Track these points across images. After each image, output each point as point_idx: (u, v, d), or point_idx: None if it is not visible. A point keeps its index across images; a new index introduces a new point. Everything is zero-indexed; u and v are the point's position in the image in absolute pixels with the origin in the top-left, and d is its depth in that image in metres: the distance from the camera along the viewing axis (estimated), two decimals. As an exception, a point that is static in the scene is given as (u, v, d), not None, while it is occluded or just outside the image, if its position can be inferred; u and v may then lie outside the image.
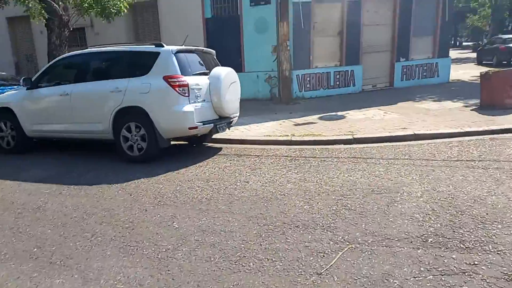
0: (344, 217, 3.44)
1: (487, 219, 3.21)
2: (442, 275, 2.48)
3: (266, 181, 4.61)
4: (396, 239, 2.99)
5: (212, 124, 5.78)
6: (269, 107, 10.32)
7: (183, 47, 5.78)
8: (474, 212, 3.35)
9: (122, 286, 2.61)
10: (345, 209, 3.61)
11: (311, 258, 2.80)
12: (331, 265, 2.69)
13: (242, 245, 3.06)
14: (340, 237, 3.08)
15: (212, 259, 2.88)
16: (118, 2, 8.57)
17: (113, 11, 8.52)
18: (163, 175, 5.08)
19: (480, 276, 2.45)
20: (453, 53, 23.93)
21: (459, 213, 3.36)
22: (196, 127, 5.49)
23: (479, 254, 2.70)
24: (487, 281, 2.40)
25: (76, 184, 4.88)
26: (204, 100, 5.72)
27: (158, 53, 5.50)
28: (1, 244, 3.34)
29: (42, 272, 2.85)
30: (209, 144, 6.96)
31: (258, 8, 11.32)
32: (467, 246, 2.81)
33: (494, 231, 3.00)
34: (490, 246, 2.78)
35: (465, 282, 2.40)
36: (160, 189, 4.51)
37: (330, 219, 3.42)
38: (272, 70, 11.53)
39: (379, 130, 6.95)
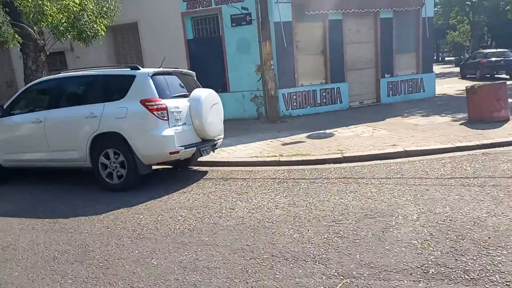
0: (337, 246, 3.18)
1: (490, 243, 2.98)
2: (449, 313, 2.23)
3: (253, 207, 4.34)
4: (394, 270, 2.73)
5: (195, 148, 5.52)
6: (256, 127, 10.12)
7: (161, 69, 5.57)
8: (475, 236, 3.12)
9: None
10: (337, 237, 3.35)
11: (303, 297, 2.52)
12: (325, 305, 2.42)
13: (227, 284, 2.76)
14: (334, 270, 2.81)
15: (193, 302, 2.58)
16: (95, 25, 8.34)
17: (90, 34, 8.28)
18: (144, 204, 4.76)
19: (491, 312, 2.21)
20: (437, 68, 24.28)
21: (460, 237, 3.13)
22: (177, 152, 5.22)
23: (486, 286, 2.45)
24: (499, 318, 2.15)
25: (51, 217, 4.54)
26: (185, 123, 5.47)
27: (134, 76, 5.27)
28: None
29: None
30: (195, 168, 6.68)
31: (240, 29, 11.25)
32: (472, 277, 2.56)
33: (499, 258, 2.76)
34: (497, 276, 2.54)
35: (475, 321, 2.15)
36: (140, 220, 4.19)
37: (322, 249, 3.15)
38: (257, 89, 11.39)
39: (368, 147, 6.77)
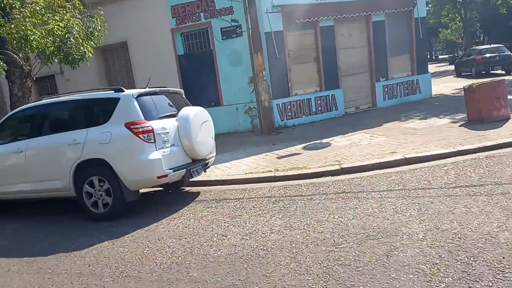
0: (338, 277, 2.88)
1: (506, 265, 2.69)
2: None
3: (247, 232, 4.05)
4: (402, 304, 2.44)
5: (185, 170, 5.24)
6: (251, 140, 9.84)
7: (146, 89, 5.32)
8: (488, 257, 2.83)
9: None
10: (338, 265, 3.05)
11: None
12: None
13: (216, 330, 2.47)
14: (335, 307, 2.52)
15: None
16: (82, 48, 8.12)
17: (76, 57, 8.05)
18: (130, 234, 4.46)
19: None
20: (431, 67, 24.06)
21: (471, 259, 2.84)
22: (165, 175, 4.94)
23: (508, 320, 2.16)
24: None
25: (29, 256, 4.23)
26: (173, 144, 5.20)
27: (118, 99, 5.01)
28: None
29: None
30: (187, 188, 6.40)
31: (230, 41, 11.06)
32: (490, 309, 2.27)
33: (518, 283, 2.48)
34: (519, 307, 2.25)
35: None
36: (125, 255, 3.89)
37: (322, 281, 2.85)
38: (251, 101, 11.15)
39: (367, 156, 6.50)
